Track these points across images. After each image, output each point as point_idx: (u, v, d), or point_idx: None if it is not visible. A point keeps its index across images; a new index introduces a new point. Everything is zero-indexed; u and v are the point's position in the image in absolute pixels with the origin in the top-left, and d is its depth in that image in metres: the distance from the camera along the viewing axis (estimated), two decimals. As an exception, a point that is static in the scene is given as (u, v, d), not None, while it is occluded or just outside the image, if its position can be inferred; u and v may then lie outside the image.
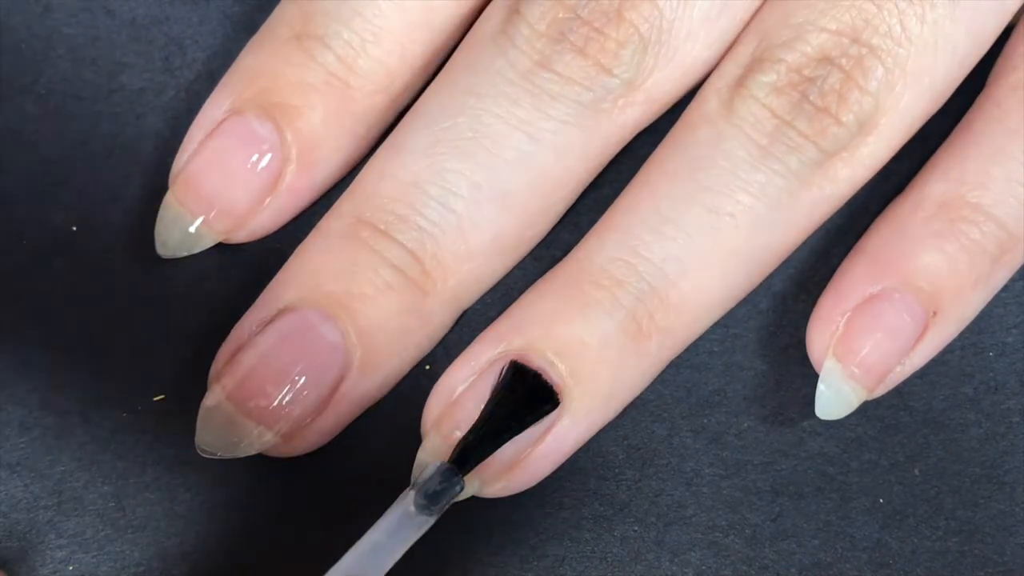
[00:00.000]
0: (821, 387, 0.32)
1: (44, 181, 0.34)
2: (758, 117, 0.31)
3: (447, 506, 0.30)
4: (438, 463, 0.30)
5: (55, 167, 0.34)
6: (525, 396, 0.31)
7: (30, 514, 0.32)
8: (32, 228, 0.34)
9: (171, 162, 0.34)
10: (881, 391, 0.32)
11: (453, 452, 0.30)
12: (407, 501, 0.30)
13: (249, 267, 0.34)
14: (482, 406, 0.31)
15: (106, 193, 0.34)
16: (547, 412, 0.31)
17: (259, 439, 0.31)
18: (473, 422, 0.31)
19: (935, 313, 0.32)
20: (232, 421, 0.31)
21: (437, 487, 0.30)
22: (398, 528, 0.30)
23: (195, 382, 0.33)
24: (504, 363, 0.31)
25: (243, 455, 0.31)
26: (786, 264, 0.34)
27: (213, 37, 0.35)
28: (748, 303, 0.34)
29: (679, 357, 0.33)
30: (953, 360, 0.34)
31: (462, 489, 0.30)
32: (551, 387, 0.31)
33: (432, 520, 0.30)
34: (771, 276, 0.34)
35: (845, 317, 0.32)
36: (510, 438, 0.31)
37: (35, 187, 0.34)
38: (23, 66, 0.35)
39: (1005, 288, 0.34)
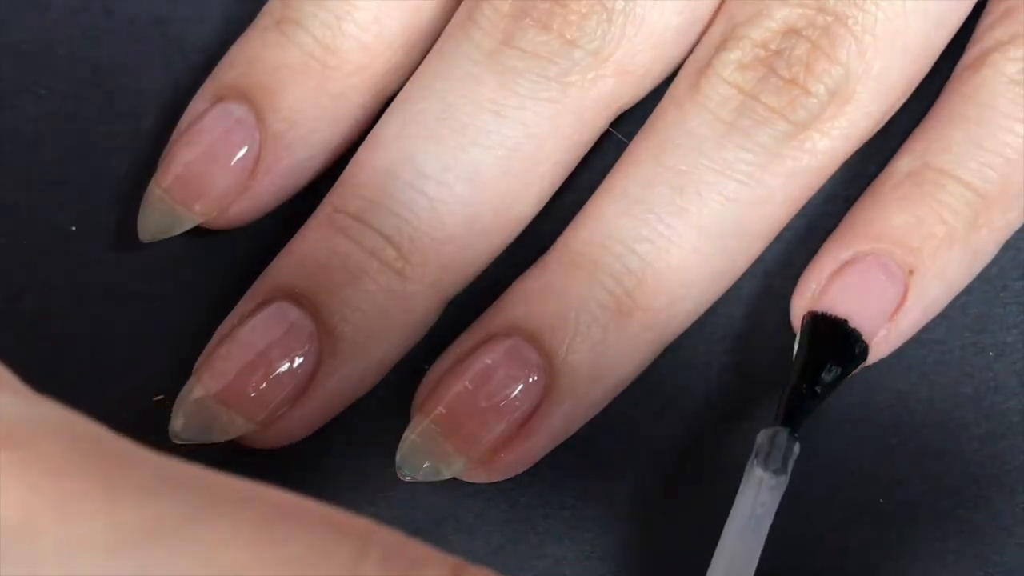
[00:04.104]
0: (796, 348, 0.32)
1: (44, 181, 0.34)
2: (724, 95, 0.32)
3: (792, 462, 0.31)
4: (770, 430, 0.31)
5: (55, 167, 0.34)
6: (833, 345, 0.31)
7: (30, 514, 0.32)
8: (32, 228, 0.34)
9: (171, 162, 0.34)
10: (872, 357, 0.32)
11: (778, 414, 0.31)
12: (756, 473, 0.31)
13: (251, 268, 0.34)
14: (468, 384, 0.31)
15: (106, 193, 0.34)
16: (859, 357, 0.32)
17: (231, 426, 0.31)
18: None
19: (912, 272, 0.32)
20: (202, 407, 0.31)
21: (778, 450, 0.31)
22: (765, 497, 0.30)
23: (195, 382, 0.33)
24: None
25: (213, 440, 0.31)
26: (786, 264, 0.34)
27: (213, 37, 0.35)
28: (748, 303, 0.34)
29: (678, 357, 0.33)
30: (953, 360, 0.34)
31: (798, 447, 0.31)
32: (855, 331, 0.31)
33: (786, 479, 0.31)
34: (770, 276, 0.34)
35: (821, 284, 0.32)
36: (831, 388, 0.31)
37: (35, 187, 0.34)
38: (23, 66, 0.35)
39: (1005, 287, 0.34)
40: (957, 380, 0.34)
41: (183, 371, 0.33)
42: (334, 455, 0.33)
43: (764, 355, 0.34)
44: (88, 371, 0.33)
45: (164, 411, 0.33)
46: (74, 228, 0.34)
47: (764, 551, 0.32)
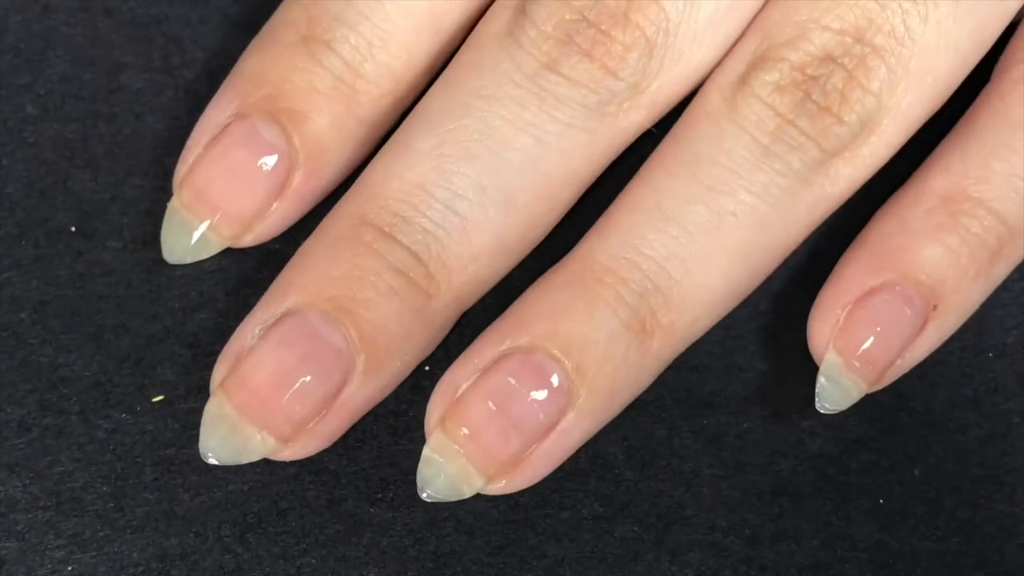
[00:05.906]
0: (822, 380, 0.32)
1: (44, 181, 0.34)
2: (760, 116, 0.31)
3: None
4: None
5: (55, 167, 0.34)
6: None
7: (29, 514, 0.32)
8: (32, 228, 0.34)
9: (171, 162, 0.34)
10: (882, 384, 0.32)
11: None
12: None
13: (249, 268, 0.34)
14: (491, 405, 0.31)
15: (106, 193, 0.34)
16: None
17: (263, 445, 0.31)
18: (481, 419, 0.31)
19: (935, 307, 0.32)
20: (236, 428, 0.31)
21: None
22: None
23: (195, 382, 0.33)
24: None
25: (247, 461, 0.31)
26: (786, 265, 0.34)
27: (213, 37, 0.35)
28: (748, 304, 0.34)
29: (679, 359, 0.33)
30: (953, 361, 0.34)
31: None
32: None
33: None
34: (771, 277, 0.34)
35: (846, 310, 0.32)
36: None
37: (35, 187, 0.34)
38: (23, 66, 0.35)
39: (1005, 289, 0.34)
40: (957, 381, 0.34)
41: (184, 371, 0.33)
42: (334, 455, 0.33)
43: (765, 356, 0.34)
44: (89, 371, 0.33)
45: (164, 411, 0.33)
46: (74, 228, 0.34)
47: (767, 547, 0.33)
